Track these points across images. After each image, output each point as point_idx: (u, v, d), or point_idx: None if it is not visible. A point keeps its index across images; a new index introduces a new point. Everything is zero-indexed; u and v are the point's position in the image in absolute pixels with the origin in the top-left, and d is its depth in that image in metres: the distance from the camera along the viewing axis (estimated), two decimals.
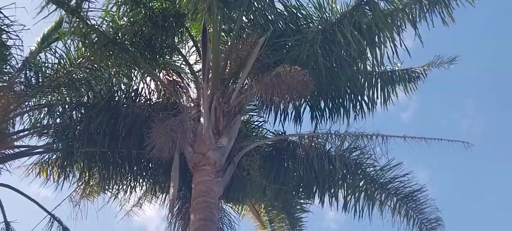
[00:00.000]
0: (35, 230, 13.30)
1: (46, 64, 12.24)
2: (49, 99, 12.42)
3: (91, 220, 14.04)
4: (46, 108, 12.42)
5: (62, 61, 12.10)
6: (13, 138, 12.45)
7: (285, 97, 11.06)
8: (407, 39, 11.54)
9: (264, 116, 13.51)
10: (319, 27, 11.81)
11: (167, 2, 12.11)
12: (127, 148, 12.28)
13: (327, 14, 12.09)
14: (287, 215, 14.31)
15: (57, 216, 13.50)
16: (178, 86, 13.07)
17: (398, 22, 11.53)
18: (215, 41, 11.81)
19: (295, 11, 12.34)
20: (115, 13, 11.86)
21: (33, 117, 12.57)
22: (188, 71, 13.18)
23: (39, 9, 10.57)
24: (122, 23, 11.94)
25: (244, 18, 12.38)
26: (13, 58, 11.73)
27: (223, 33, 12.68)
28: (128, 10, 11.96)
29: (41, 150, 12.92)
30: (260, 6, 12.22)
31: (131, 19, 11.89)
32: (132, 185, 13.34)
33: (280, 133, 13.38)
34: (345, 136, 12.88)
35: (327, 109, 13.30)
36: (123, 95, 12.80)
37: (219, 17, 11.81)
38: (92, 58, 12.00)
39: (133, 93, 12.88)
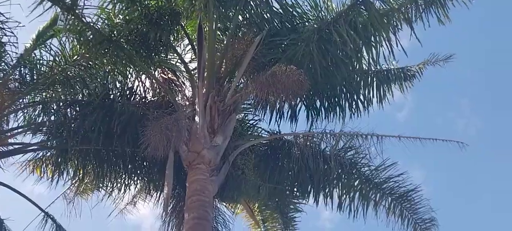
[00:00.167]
0: (29, 228, 13.27)
1: (41, 62, 12.17)
2: (44, 96, 12.37)
3: (85, 218, 14.04)
4: (40, 106, 12.38)
5: (57, 58, 12.03)
6: (7, 135, 12.41)
7: (280, 96, 11.04)
8: (403, 38, 11.57)
9: (260, 115, 13.52)
10: (315, 26, 11.80)
11: (163, 0, 12.08)
12: (121, 146, 12.25)
13: (322, 12, 12.08)
14: (281, 215, 14.31)
15: (51, 213, 13.47)
16: (173, 85, 13.06)
17: (394, 22, 11.52)
18: (210, 40, 11.80)
19: (291, 10, 12.32)
20: (110, 11, 11.79)
21: (27, 114, 12.54)
22: (184, 69, 13.16)
23: (34, 6, 10.56)
24: (117, 21, 11.88)
25: (239, 17, 12.35)
26: (8, 55, 11.68)
27: (218, 32, 12.66)
28: (124, 8, 11.90)
29: (35, 147, 12.89)
30: (256, 4, 12.20)
31: (127, 17, 11.84)
32: (127, 183, 13.32)
33: (275, 132, 13.37)
34: (340, 135, 12.90)
35: (322, 108, 13.29)
36: (118, 93, 12.76)
37: (215, 15, 11.79)
38: (87, 56, 11.94)
39: (128, 91, 12.85)
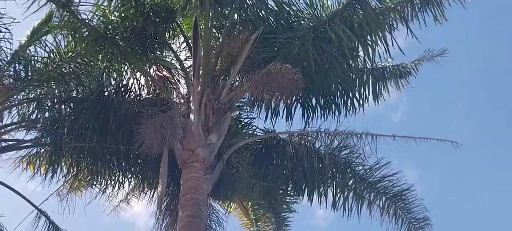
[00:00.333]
0: (22, 225, 13.24)
1: (36, 58, 12.17)
2: (38, 93, 12.36)
3: (79, 216, 14.01)
4: (35, 102, 12.37)
5: (51, 55, 12.04)
6: (1, 132, 12.38)
7: (275, 95, 11.04)
8: (399, 37, 11.58)
9: (255, 113, 13.51)
10: (310, 24, 11.80)
11: None
12: (116, 143, 12.22)
13: (318, 11, 12.07)
14: (274, 214, 14.31)
15: (44, 210, 13.42)
16: (168, 82, 13.03)
17: (390, 21, 11.53)
18: (206, 38, 11.79)
19: (286, 8, 12.31)
20: (106, 8, 11.77)
21: (21, 111, 12.51)
22: (179, 67, 13.13)
23: (29, 3, 10.55)
24: (113, 18, 11.85)
25: (235, 15, 12.34)
26: (2, 51, 11.70)
27: (214, 30, 12.65)
28: (119, 5, 11.87)
29: (29, 144, 12.85)
30: (252, 2, 12.19)
31: (122, 14, 11.81)
32: (121, 180, 13.30)
33: (270, 130, 13.37)
34: (335, 135, 12.89)
35: (318, 106, 13.28)
36: (113, 91, 12.74)
37: (210, 13, 11.77)
38: (82, 52, 11.94)
39: (123, 89, 12.82)
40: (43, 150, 13.12)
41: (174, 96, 12.68)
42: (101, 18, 11.75)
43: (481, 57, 25.14)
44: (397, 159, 13.37)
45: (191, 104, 11.70)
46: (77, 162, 12.87)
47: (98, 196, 13.62)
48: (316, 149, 13.01)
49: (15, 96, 12.20)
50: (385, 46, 11.54)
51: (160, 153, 10.78)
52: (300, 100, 13.30)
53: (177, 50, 13.46)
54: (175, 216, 12.38)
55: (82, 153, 12.67)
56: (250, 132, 13.57)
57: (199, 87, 11.70)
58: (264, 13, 12.18)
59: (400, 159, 13.51)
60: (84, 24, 11.42)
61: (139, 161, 12.98)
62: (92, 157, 12.73)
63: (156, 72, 13.12)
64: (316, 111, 13.30)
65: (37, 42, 12.36)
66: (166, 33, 12.56)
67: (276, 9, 12.26)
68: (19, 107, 12.44)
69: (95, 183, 13.29)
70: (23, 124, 12.48)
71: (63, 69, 12.02)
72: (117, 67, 12.52)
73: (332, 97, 13.19)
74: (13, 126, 12.47)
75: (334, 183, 13.19)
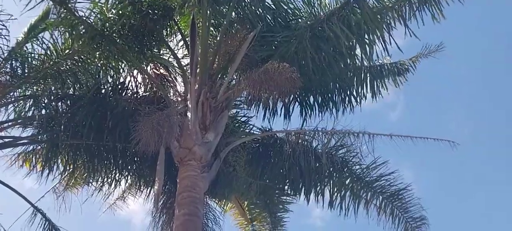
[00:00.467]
0: (18, 222, 13.20)
1: (33, 55, 12.13)
2: (35, 90, 12.34)
3: (75, 213, 13.98)
4: (31, 99, 12.34)
5: (48, 52, 12.01)
6: None
7: (273, 94, 11.02)
8: (397, 35, 11.57)
9: (252, 112, 13.50)
10: (308, 22, 11.79)
11: None
12: (112, 141, 12.20)
13: (316, 8, 12.05)
14: (269, 214, 14.29)
15: (40, 208, 13.39)
16: (165, 80, 13.01)
17: (388, 20, 11.51)
18: (204, 36, 11.76)
19: (284, 6, 12.29)
20: (103, 5, 11.75)
21: (18, 108, 12.49)
22: (176, 65, 13.11)
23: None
24: (110, 15, 11.83)
25: (233, 13, 12.32)
26: None
27: (211, 28, 12.62)
28: (117, 2, 11.85)
29: (26, 141, 12.82)
30: (249, 1, 12.16)
31: (120, 11, 11.79)
32: (117, 178, 13.28)
33: (267, 129, 13.35)
34: (332, 134, 12.88)
35: (316, 104, 13.26)
36: (110, 88, 12.72)
37: (208, 11, 11.75)
38: (79, 50, 11.90)
39: (120, 86, 12.80)
40: (39, 147, 13.09)
41: (171, 94, 12.67)
42: (99, 16, 11.73)
43: (480, 56, 25.16)
44: (394, 158, 13.40)
45: (188, 102, 11.68)
46: (73, 159, 12.85)
47: (95, 193, 13.61)
48: (313, 147, 12.99)
49: (11, 93, 12.17)
50: (383, 45, 11.53)
51: (157, 151, 10.76)
52: (298, 99, 13.29)
53: (174, 48, 13.44)
54: (171, 214, 12.37)
55: (79, 150, 12.65)
56: (247, 130, 13.57)
57: (197, 86, 11.67)
58: (261, 11, 12.16)
59: (397, 159, 13.53)
60: (81, 22, 11.40)
61: (135, 159, 12.97)
62: (88, 154, 12.71)
63: (153, 70, 13.10)
64: (314, 109, 13.28)
65: (34, 39, 12.32)
66: (164, 31, 12.56)
67: (274, 7, 12.24)
68: (16, 104, 12.42)
69: (91, 180, 13.27)
70: (19, 121, 12.44)
71: (60, 66, 11.99)
72: (114, 64, 12.50)
73: (329, 95, 13.18)
74: (10, 123, 12.43)
75: (331, 182, 13.18)
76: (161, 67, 13.16)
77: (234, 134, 12.75)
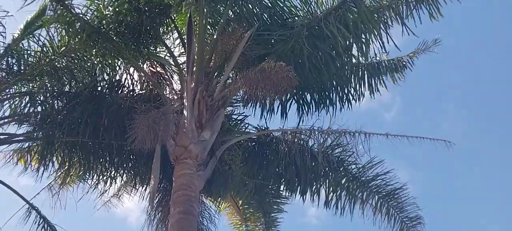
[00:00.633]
0: (13, 219, 13.17)
1: (29, 52, 12.11)
2: (31, 87, 12.30)
3: (70, 211, 13.95)
4: (27, 96, 12.30)
5: (45, 49, 11.99)
6: None
7: (269, 93, 11.01)
8: (394, 33, 11.57)
9: (248, 110, 13.49)
10: (305, 21, 11.79)
11: None
12: (108, 138, 12.18)
13: (312, 7, 12.04)
14: (263, 214, 14.27)
15: (35, 205, 13.35)
16: (161, 78, 13.00)
17: (385, 19, 11.50)
18: (200, 34, 11.75)
19: (280, 4, 12.28)
20: (100, 2, 11.72)
21: (13, 105, 12.45)
22: (172, 63, 13.09)
23: None
24: (107, 12, 11.81)
25: (229, 11, 12.31)
26: None
27: (208, 26, 12.61)
28: (113, 0, 11.84)
29: (21, 138, 12.78)
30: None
31: (116, 8, 11.76)
32: (113, 176, 13.26)
33: (263, 128, 13.34)
34: (328, 133, 12.87)
35: (313, 102, 13.24)
36: (106, 86, 12.70)
37: (205, 9, 11.74)
38: (76, 47, 11.88)
39: (116, 84, 12.78)
40: (35, 144, 13.06)
41: (168, 92, 12.66)
42: (95, 13, 11.70)
43: (474, 57, 25.27)
44: (390, 158, 13.40)
45: (184, 100, 11.67)
46: (69, 156, 12.81)
47: (90, 191, 13.59)
48: (309, 147, 12.99)
49: (7, 90, 12.15)
50: (381, 43, 11.52)
51: (153, 149, 10.75)
52: (295, 97, 13.27)
53: (171, 46, 13.43)
54: (167, 212, 12.34)
55: (74, 147, 12.61)
56: (243, 129, 13.55)
57: (193, 84, 11.67)
58: (258, 9, 12.15)
59: (392, 159, 13.56)
60: (77, 19, 11.37)
61: (131, 157, 12.93)
62: (84, 152, 12.67)
63: (150, 68, 13.09)
64: (311, 107, 13.26)
65: (30, 36, 12.29)
66: (160, 29, 12.51)
67: (270, 5, 12.23)
68: (11, 101, 12.38)
69: (87, 178, 13.24)
70: (15, 117, 12.40)
71: (56, 63, 11.98)
72: (110, 62, 12.48)
73: (327, 93, 13.14)
74: (5, 120, 12.39)
75: (327, 181, 13.19)
76: (157, 65, 13.15)
77: (230, 133, 12.74)
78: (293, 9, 12.33)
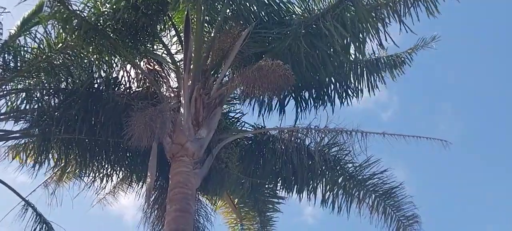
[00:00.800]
0: (9, 216, 13.16)
1: (25, 49, 12.08)
2: (27, 84, 12.28)
3: (66, 208, 13.93)
4: (23, 93, 12.28)
5: (41, 46, 11.96)
6: None
7: (266, 91, 11.00)
8: (392, 30, 11.56)
9: (246, 108, 13.47)
10: (302, 19, 11.77)
11: None
12: (105, 136, 12.16)
13: (310, 3, 12.02)
14: (259, 213, 14.26)
15: (31, 202, 13.33)
16: (158, 76, 12.98)
17: (382, 17, 11.48)
18: (198, 32, 11.74)
19: (277, 1, 12.26)
20: None
21: (10, 101, 12.43)
22: (169, 61, 13.07)
23: None
24: (104, 9, 11.79)
25: (227, 9, 12.29)
26: None
27: (206, 24, 12.59)
28: None
29: (18, 135, 12.75)
30: None
31: (114, 6, 11.75)
32: (109, 173, 13.23)
33: (260, 126, 13.33)
34: (326, 132, 12.85)
35: (311, 99, 13.21)
36: (103, 83, 12.67)
37: (203, 7, 11.72)
38: (73, 44, 11.86)
39: (113, 81, 12.76)
40: (31, 141, 13.02)
41: (164, 90, 12.64)
42: (92, 10, 11.69)
43: (470, 58, 25.31)
44: (386, 158, 13.41)
45: (181, 98, 11.66)
46: (65, 153, 12.77)
47: (86, 188, 13.55)
48: (306, 145, 12.97)
49: (3, 87, 12.12)
50: (378, 41, 11.50)
51: (149, 146, 10.74)
52: (293, 94, 13.24)
53: (168, 44, 13.41)
54: (163, 210, 12.33)
55: (71, 144, 12.59)
56: (240, 127, 13.54)
57: (190, 82, 11.65)
58: (255, 7, 12.13)
59: (388, 158, 13.57)
60: (74, 15, 11.35)
61: (128, 154, 12.92)
62: (80, 149, 12.65)
63: (147, 65, 13.07)
64: (309, 104, 13.24)
65: (27, 32, 12.29)
66: (158, 26, 12.50)
67: (267, 2, 12.20)
68: (8, 97, 12.35)
69: (83, 175, 13.21)
70: (11, 114, 12.37)
71: (53, 60, 11.95)
72: (107, 59, 12.45)
73: (325, 90, 13.12)
74: (1, 116, 12.36)
75: (324, 180, 13.16)
76: (154, 62, 13.13)
77: (227, 131, 12.73)
78: (290, 6, 12.31)
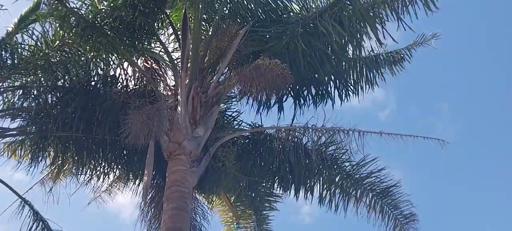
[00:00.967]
0: (6, 213, 13.13)
1: (23, 46, 12.06)
2: (24, 81, 12.26)
3: (63, 205, 13.92)
4: (20, 91, 12.25)
5: (39, 43, 11.95)
6: None
7: (264, 90, 10.99)
8: (390, 28, 11.54)
9: (244, 106, 13.46)
10: (299, 17, 11.76)
11: None
12: (102, 133, 12.14)
13: (308, 1, 12.00)
14: (255, 212, 14.25)
15: (28, 200, 13.29)
16: (156, 74, 12.97)
17: (380, 15, 11.46)
18: (195, 30, 11.73)
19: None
20: None
21: (6, 98, 12.40)
22: (167, 59, 13.06)
23: None
24: (101, 7, 11.79)
25: (224, 8, 12.28)
26: None
27: (203, 22, 12.58)
28: None
29: (14, 132, 12.73)
30: None
31: (111, 3, 11.73)
32: (106, 171, 13.22)
33: (257, 125, 13.32)
34: (323, 131, 12.85)
35: (309, 96, 13.20)
36: (100, 81, 12.65)
37: (200, 5, 11.71)
38: (70, 42, 11.86)
39: (110, 79, 12.74)
40: (28, 139, 13.00)
41: (162, 88, 12.63)
42: (90, 7, 11.69)
43: (467, 58, 25.35)
44: (383, 157, 13.41)
45: (178, 96, 11.65)
46: (62, 151, 12.77)
47: (83, 186, 13.55)
48: (303, 144, 12.96)
49: (0, 84, 12.10)
50: (377, 40, 11.48)
51: (146, 144, 10.74)
52: (291, 92, 13.22)
53: (165, 42, 13.41)
54: (160, 208, 12.32)
55: (68, 142, 12.58)
56: (237, 126, 13.54)
57: (187, 80, 11.65)
58: (253, 6, 12.12)
59: (385, 158, 13.58)
60: (72, 13, 11.35)
61: (125, 152, 12.91)
62: (77, 146, 12.63)
63: (144, 63, 13.06)
64: (307, 101, 13.22)
65: (25, 30, 12.25)
66: (155, 24, 12.49)
67: (264, 1, 12.18)
68: (5, 95, 12.33)
69: (80, 173, 13.20)
70: (8, 111, 12.36)
71: (50, 58, 11.95)
72: (104, 57, 12.45)
73: (324, 87, 13.10)
74: None
75: (321, 179, 13.16)
76: (152, 60, 13.11)
77: (224, 129, 12.73)
78: (288, 4, 12.30)
